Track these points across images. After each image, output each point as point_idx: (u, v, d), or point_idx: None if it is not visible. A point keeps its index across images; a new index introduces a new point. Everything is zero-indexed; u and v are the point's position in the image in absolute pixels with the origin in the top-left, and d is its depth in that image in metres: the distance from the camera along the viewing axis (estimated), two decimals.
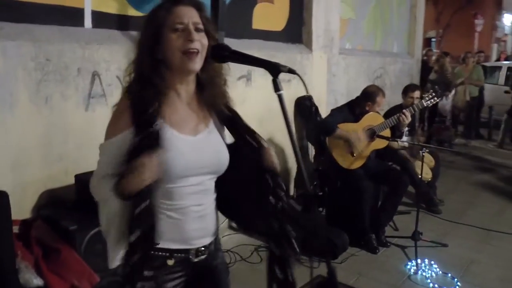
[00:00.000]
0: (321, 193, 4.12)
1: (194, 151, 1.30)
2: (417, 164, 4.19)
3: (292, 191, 4.59)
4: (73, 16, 2.75)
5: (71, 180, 2.56)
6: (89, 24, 2.83)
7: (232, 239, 3.59)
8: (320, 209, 3.99)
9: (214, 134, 1.38)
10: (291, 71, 1.22)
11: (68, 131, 2.62)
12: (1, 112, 2.32)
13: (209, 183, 1.38)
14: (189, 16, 1.28)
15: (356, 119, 3.72)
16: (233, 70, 4.22)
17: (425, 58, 8.15)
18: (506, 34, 18.71)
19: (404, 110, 3.72)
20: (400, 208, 4.08)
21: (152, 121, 1.23)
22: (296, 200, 4.11)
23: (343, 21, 5.59)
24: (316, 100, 4.69)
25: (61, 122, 2.59)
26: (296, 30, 4.83)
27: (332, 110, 3.85)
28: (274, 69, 1.20)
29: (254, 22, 4.25)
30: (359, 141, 3.60)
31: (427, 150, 3.59)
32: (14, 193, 2.20)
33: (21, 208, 2.35)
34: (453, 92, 7.70)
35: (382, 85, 6.76)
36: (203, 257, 1.38)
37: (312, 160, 4.62)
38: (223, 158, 1.38)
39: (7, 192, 2.08)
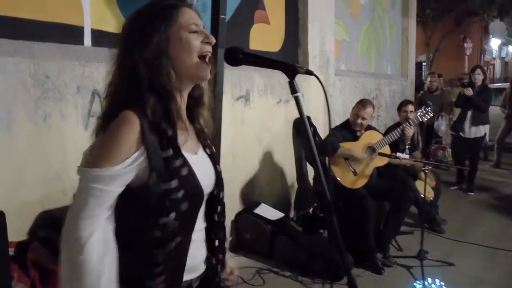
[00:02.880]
0: (322, 215, 4.06)
1: (200, 170, 1.17)
2: (418, 183, 4.17)
3: (292, 213, 4.53)
4: (72, 34, 2.72)
5: (69, 201, 2.47)
6: (89, 42, 2.80)
7: (233, 262, 3.49)
8: (322, 230, 3.93)
9: (204, 153, 1.28)
10: (308, 72, 1.16)
11: (66, 150, 2.55)
12: None
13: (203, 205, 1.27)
14: (199, 19, 1.19)
15: (355, 137, 3.70)
16: (232, 91, 4.22)
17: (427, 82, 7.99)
18: (494, 58, 19.07)
19: (404, 124, 3.72)
20: (402, 228, 4.02)
21: (175, 143, 1.11)
22: (296, 221, 4.03)
23: (338, 43, 5.64)
24: (313, 121, 4.68)
25: (60, 141, 2.52)
26: (292, 51, 4.85)
27: (332, 129, 3.83)
28: (290, 70, 1.15)
29: (251, 42, 4.25)
30: (360, 158, 3.57)
31: (430, 167, 3.55)
32: (10, 214, 2.10)
33: (18, 230, 2.25)
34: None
35: (378, 106, 6.80)
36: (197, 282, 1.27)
37: (312, 182, 4.57)
38: (213, 176, 1.28)
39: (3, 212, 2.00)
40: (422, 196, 3.72)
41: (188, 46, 1.14)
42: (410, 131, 3.68)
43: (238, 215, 3.78)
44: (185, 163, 1.12)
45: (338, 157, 3.57)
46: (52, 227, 2.34)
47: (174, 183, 1.09)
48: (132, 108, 1.07)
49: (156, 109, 1.09)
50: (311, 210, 4.37)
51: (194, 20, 1.17)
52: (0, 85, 2.26)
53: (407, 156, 3.92)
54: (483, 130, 5.96)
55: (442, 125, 7.73)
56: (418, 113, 3.95)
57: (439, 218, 4.53)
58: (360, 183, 3.58)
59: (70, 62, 2.60)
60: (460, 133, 5.99)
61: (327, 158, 3.67)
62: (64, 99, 2.54)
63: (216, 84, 3.21)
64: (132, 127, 1.06)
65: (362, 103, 3.75)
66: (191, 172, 1.13)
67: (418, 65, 16.98)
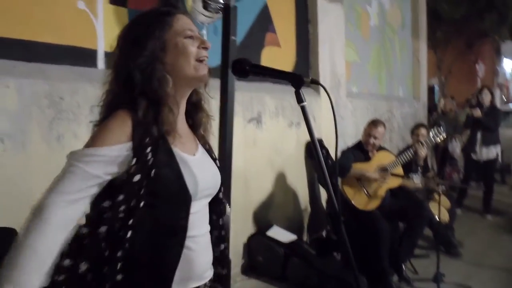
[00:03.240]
0: (335, 237, 4.01)
1: (199, 170, 1.18)
2: (432, 205, 4.10)
3: (305, 236, 4.47)
4: (86, 57, 2.77)
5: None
6: (102, 65, 2.85)
7: (245, 285, 3.44)
8: (335, 253, 3.87)
9: (206, 154, 1.29)
10: (313, 81, 1.19)
11: None
12: (13, 150, 2.28)
13: (207, 207, 1.26)
14: (194, 25, 1.22)
15: (367, 158, 3.67)
16: (243, 112, 4.23)
17: (441, 104, 7.95)
18: (506, 80, 18.96)
19: (417, 145, 3.68)
20: (418, 252, 3.94)
21: (164, 143, 1.13)
22: (310, 245, 3.98)
23: (348, 64, 5.66)
24: (325, 144, 4.66)
25: None
26: (303, 73, 4.85)
27: (344, 151, 3.81)
28: (296, 80, 1.17)
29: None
30: (372, 179, 3.54)
31: (443, 187, 3.49)
32: None
33: None
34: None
35: (390, 128, 6.76)
36: None
37: (325, 204, 4.53)
38: (219, 179, 1.29)
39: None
40: (437, 218, 3.65)
41: (184, 52, 1.16)
42: (422, 151, 3.65)
43: (250, 238, 3.74)
44: (172, 164, 1.12)
45: (351, 178, 3.54)
46: None
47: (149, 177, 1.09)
48: (125, 108, 1.11)
49: (148, 112, 1.11)
50: (324, 233, 4.32)
51: (189, 25, 1.20)
52: (15, 105, 2.30)
53: (419, 178, 3.88)
54: (494, 150, 5.88)
55: (457, 147, 7.65)
56: (431, 134, 3.92)
57: (455, 241, 4.44)
58: (373, 204, 3.54)
59: (84, 84, 2.64)
60: (472, 155, 5.92)
61: (340, 181, 3.65)
62: (77, 120, 2.57)
63: (227, 105, 3.22)
64: (123, 121, 1.10)
65: (374, 123, 3.73)
66: (178, 174, 1.13)
67: (430, 89, 16.91)
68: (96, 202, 1.11)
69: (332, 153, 4.81)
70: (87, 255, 1.06)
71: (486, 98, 5.74)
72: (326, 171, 1.16)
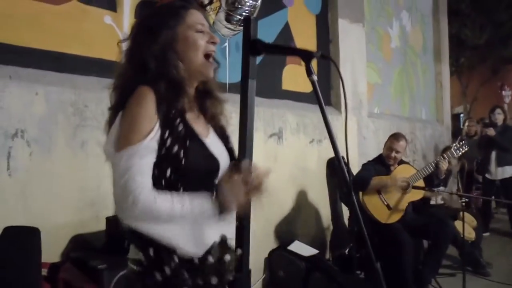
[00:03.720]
0: (358, 255, 3.93)
1: (216, 150, 1.26)
2: (458, 224, 3.99)
3: (327, 254, 4.40)
4: (112, 69, 2.86)
5: (102, 226, 2.51)
6: None
7: None
8: (358, 271, 3.79)
9: (216, 137, 1.35)
10: (323, 56, 1.23)
11: (101, 177, 2.62)
12: (40, 154, 2.36)
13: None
14: (205, 20, 1.30)
15: (388, 171, 3.64)
16: (264, 128, 4.27)
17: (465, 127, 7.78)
18: None
19: (438, 158, 3.64)
20: (444, 270, 3.82)
21: (184, 119, 1.21)
22: (333, 262, 3.92)
23: (370, 86, 5.68)
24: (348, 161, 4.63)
25: (96, 168, 2.60)
26: (325, 92, 4.91)
27: (364, 165, 3.79)
28: (306, 54, 1.22)
29: (284, 83, 4.35)
30: (393, 192, 3.49)
31: (464, 201, 3.39)
32: (45, 235, 2.16)
33: (51, 251, 2.29)
34: None
35: (413, 150, 6.68)
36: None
37: (347, 222, 4.47)
38: (227, 159, 1.34)
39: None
40: (462, 235, 3.55)
41: (194, 44, 1.24)
42: (444, 164, 3.59)
43: (271, 252, 3.71)
44: (193, 134, 1.21)
45: (371, 191, 3.50)
46: (84, 249, 2.38)
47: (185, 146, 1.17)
48: (145, 85, 1.16)
49: (169, 90, 1.18)
50: (347, 251, 4.24)
51: (201, 20, 1.28)
52: (43, 112, 2.40)
53: (443, 193, 3.80)
54: (510, 170, 5.73)
55: None
56: (453, 147, 3.86)
57: (483, 261, 4.29)
58: (395, 217, 3.48)
59: (108, 94, 2.73)
60: (487, 175, 5.79)
61: (360, 194, 3.61)
62: (101, 128, 2.63)
63: (247, 118, 3.26)
64: (150, 99, 1.15)
65: (395, 136, 3.71)
66: (200, 142, 1.22)
67: (456, 117, 16.68)
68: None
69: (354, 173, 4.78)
70: None
71: (499, 117, 5.71)
72: (348, 181, 1.22)
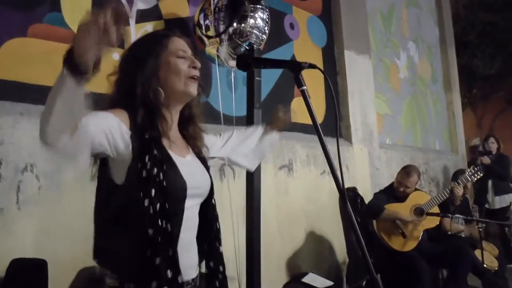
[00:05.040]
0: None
1: (186, 170, 1.29)
2: (478, 253, 3.87)
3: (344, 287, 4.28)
4: None
5: None
6: None
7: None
8: None
9: (196, 160, 1.41)
10: (311, 66, 1.25)
11: None
12: (48, 188, 2.39)
13: (196, 209, 1.36)
14: (187, 47, 1.38)
15: (401, 200, 3.58)
16: (274, 160, 4.27)
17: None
18: None
19: (453, 184, 3.57)
20: None
21: (159, 143, 1.26)
22: None
23: (380, 116, 5.68)
24: (359, 192, 4.58)
25: None
26: (334, 124, 4.91)
27: (376, 194, 3.74)
28: (295, 67, 1.25)
29: (293, 115, 4.37)
30: (408, 219, 3.42)
31: (482, 227, 3.31)
32: (53, 267, 2.16)
33: (58, 282, 2.28)
34: None
35: (428, 181, 6.59)
36: None
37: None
38: (210, 181, 1.39)
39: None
40: (482, 262, 3.44)
41: (175, 69, 1.32)
42: (459, 190, 3.52)
43: (285, 286, 3.62)
44: (168, 156, 1.25)
45: (384, 220, 3.44)
46: (91, 280, 2.36)
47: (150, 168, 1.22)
48: (123, 109, 1.25)
49: (144, 118, 1.25)
50: (364, 283, 4.12)
51: (182, 47, 1.36)
52: None
53: (460, 221, 3.71)
54: (508, 199, 5.62)
55: None
56: (467, 173, 3.80)
57: None
58: (410, 245, 3.40)
59: None
60: (486, 205, 5.68)
61: (374, 223, 3.55)
62: None
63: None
64: (123, 115, 1.24)
65: (407, 171, 3.64)
66: (173, 164, 1.26)
67: (472, 150, 16.45)
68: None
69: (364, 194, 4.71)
70: None
71: (492, 146, 5.71)
72: (355, 222, 1.23)
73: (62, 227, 2.42)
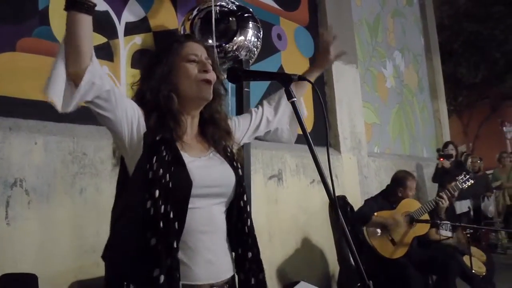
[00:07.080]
0: None
1: (200, 170, 1.29)
2: (466, 258, 3.91)
3: None
4: None
5: (102, 273, 2.48)
6: None
7: None
8: None
9: (217, 157, 1.40)
10: (301, 78, 1.28)
11: (101, 223, 2.62)
12: (38, 202, 2.38)
13: (216, 209, 1.33)
14: (201, 51, 1.39)
15: (392, 206, 3.62)
16: (264, 170, 4.29)
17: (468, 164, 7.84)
18: None
19: (440, 193, 3.61)
20: None
21: (171, 146, 1.28)
22: None
23: (368, 126, 5.74)
24: (349, 201, 4.61)
25: (95, 214, 2.62)
26: (323, 133, 4.94)
27: (366, 200, 3.78)
28: (285, 79, 1.27)
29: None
30: (398, 226, 3.45)
31: (469, 232, 3.35)
32: (44, 281, 2.15)
33: None
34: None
35: (418, 188, 6.63)
36: None
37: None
38: (230, 176, 1.36)
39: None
40: (470, 267, 3.47)
41: (186, 74, 1.34)
42: (444, 202, 3.57)
43: None
44: (179, 159, 1.25)
45: (372, 226, 3.47)
46: None
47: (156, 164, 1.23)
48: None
49: (157, 122, 1.28)
50: None
51: (194, 51, 1.37)
52: (42, 161, 2.44)
53: (448, 231, 3.76)
54: (465, 204, 5.78)
55: (490, 206, 7.40)
56: (458, 180, 3.86)
57: None
58: (400, 252, 3.43)
59: (108, 141, 2.77)
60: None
61: (364, 230, 3.57)
62: (99, 175, 2.69)
63: (243, 162, 3.28)
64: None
65: (412, 175, 3.71)
66: (183, 165, 1.26)
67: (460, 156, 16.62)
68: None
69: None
70: None
71: (452, 153, 5.84)
72: (346, 228, 1.23)
73: (52, 241, 2.41)
